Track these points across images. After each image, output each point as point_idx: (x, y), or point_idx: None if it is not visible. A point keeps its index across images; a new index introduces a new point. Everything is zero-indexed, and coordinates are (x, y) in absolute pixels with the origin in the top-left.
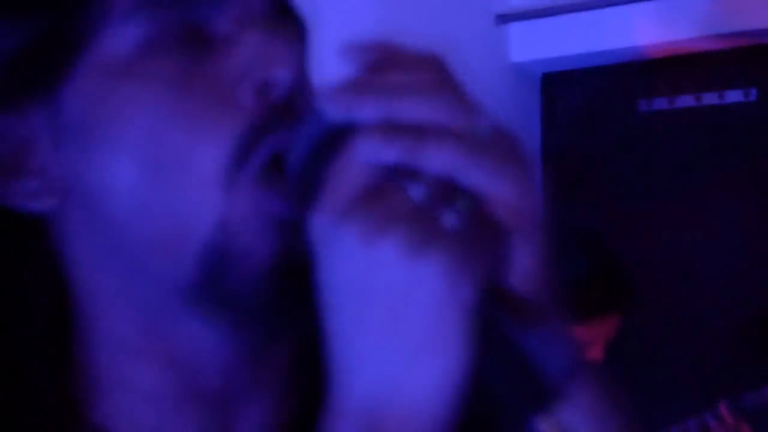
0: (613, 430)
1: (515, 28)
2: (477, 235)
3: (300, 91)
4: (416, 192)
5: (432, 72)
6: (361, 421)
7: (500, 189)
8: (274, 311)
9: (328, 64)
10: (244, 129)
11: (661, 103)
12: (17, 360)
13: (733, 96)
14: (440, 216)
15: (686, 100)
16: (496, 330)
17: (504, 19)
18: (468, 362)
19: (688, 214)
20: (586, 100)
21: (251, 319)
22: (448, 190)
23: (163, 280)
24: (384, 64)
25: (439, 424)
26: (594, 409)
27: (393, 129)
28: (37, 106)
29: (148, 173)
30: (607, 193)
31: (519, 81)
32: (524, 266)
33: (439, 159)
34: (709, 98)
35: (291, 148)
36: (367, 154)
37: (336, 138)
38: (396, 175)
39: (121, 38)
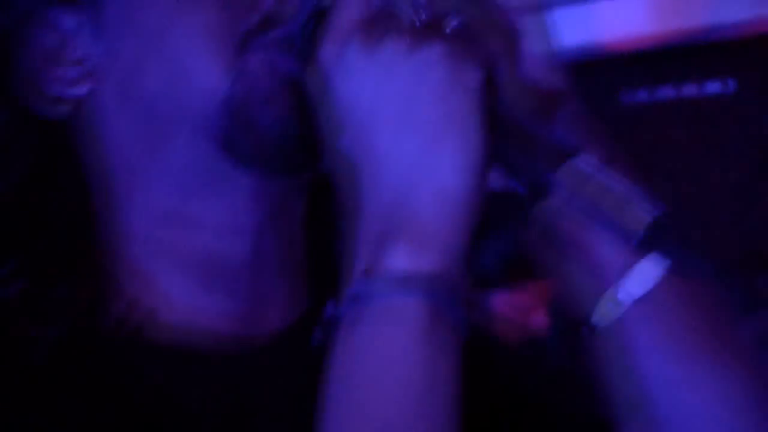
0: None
1: None
2: (475, 34)
3: None
4: (412, 15)
5: None
6: (388, 214)
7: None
8: (294, 156)
9: None
10: (256, 10)
11: (642, 95)
12: (58, 238)
13: (713, 87)
14: (439, 23)
15: (667, 92)
16: (504, 111)
17: None
18: (482, 142)
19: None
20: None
21: (276, 160)
22: (438, 6)
23: (193, 136)
24: None
25: (465, 204)
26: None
27: None
28: (84, 3)
29: (171, 46)
30: None
31: None
32: (528, 58)
33: None
34: (689, 90)
35: (294, 20)
36: None
37: (327, 5)
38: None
39: None
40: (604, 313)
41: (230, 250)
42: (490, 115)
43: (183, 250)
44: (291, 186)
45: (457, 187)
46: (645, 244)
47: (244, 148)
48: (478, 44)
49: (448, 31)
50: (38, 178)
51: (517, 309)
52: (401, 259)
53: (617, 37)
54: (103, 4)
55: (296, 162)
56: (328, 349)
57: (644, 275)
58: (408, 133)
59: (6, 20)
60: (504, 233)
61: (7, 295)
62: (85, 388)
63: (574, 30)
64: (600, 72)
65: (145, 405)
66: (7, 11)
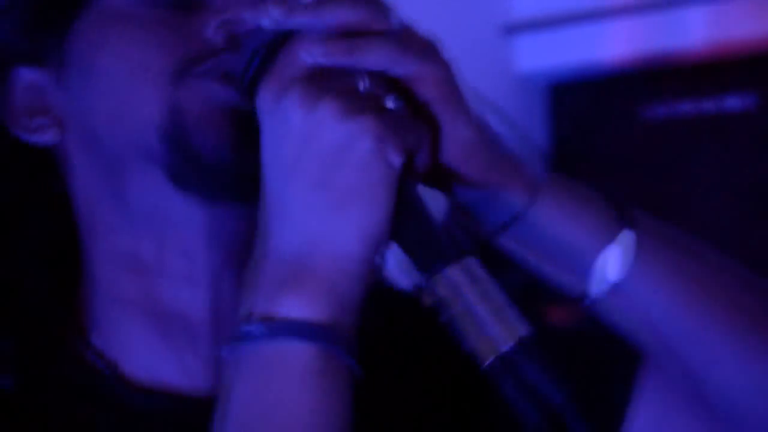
0: None
1: (521, 39)
2: (409, 113)
3: None
4: (358, 80)
5: None
6: (288, 265)
7: (427, 69)
8: (236, 178)
9: None
10: (198, 45)
11: (662, 111)
12: (26, 277)
13: (733, 102)
14: (378, 98)
15: (687, 107)
16: (413, 196)
17: (510, 29)
18: (385, 220)
19: (691, 221)
20: (591, 109)
21: (220, 187)
22: (380, 82)
23: (144, 171)
24: None
25: (360, 273)
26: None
27: (329, 35)
28: (49, 55)
29: (117, 84)
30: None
31: (525, 91)
32: (460, 137)
33: (372, 57)
34: (709, 105)
35: (238, 53)
36: (309, 56)
37: (277, 43)
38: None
39: None
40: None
41: (188, 301)
42: (400, 197)
43: (143, 300)
44: (249, 229)
45: (354, 254)
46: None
47: (188, 176)
48: (410, 127)
49: (387, 106)
50: (20, 207)
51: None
52: (295, 308)
53: (636, 53)
54: (67, 58)
55: (239, 189)
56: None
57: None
58: (320, 194)
59: None
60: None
61: None
62: None
63: (596, 47)
64: (619, 88)
65: None
66: None
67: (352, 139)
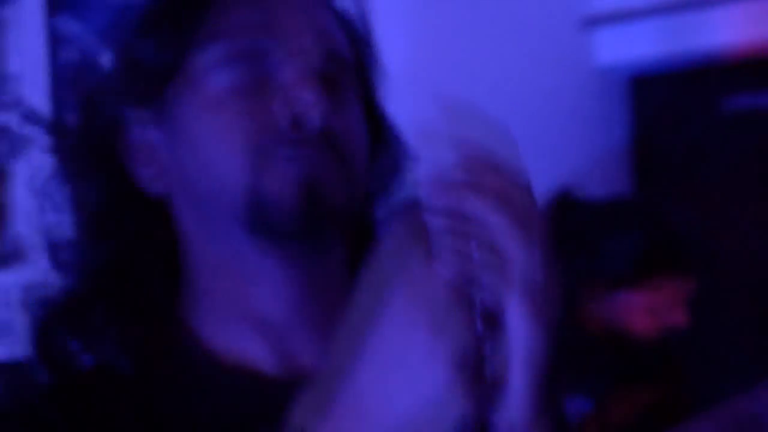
0: None
1: (601, 32)
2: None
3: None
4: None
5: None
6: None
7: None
8: (307, 240)
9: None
10: (271, 128)
11: (744, 102)
12: (146, 281)
13: None
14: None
15: None
16: None
17: (590, 22)
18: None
19: None
20: (671, 102)
21: (296, 247)
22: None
23: (229, 225)
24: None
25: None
26: None
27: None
28: (161, 118)
29: (203, 146)
30: (694, 194)
31: (605, 84)
32: (518, 397)
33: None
34: None
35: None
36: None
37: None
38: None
39: (215, 81)
40: None
41: (270, 305)
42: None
43: (234, 307)
44: (319, 270)
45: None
46: None
47: (267, 234)
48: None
49: (477, 314)
50: (138, 245)
51: (652, 308)
52: None
53: (717, 45)
54: (173, 121)
55: (310, 250)
56: None
57: None
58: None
59: (102, 123)
60: (631, 234)
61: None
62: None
63: (677, 39)
64: (700, 80)
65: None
66: (101, 119)
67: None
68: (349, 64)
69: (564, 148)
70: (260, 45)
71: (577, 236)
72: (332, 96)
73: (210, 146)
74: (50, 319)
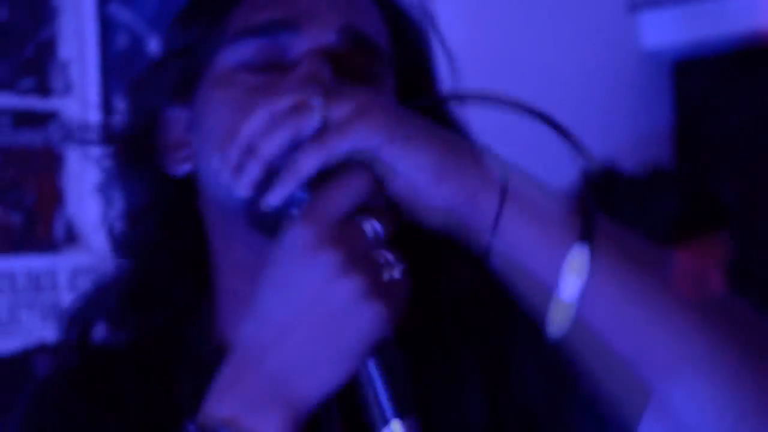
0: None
1: (645, 15)
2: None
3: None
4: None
5: None
6: (268, 388)
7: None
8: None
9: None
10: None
11: None
12: (175, 276)
13: None
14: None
15: None
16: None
17: (634, 6)
18: (347, 379)
19: None
20: (715, 85)
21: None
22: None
23: (231, 205)
24: None
25: (320, 400)
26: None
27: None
28: (187, 101)
29: (216, 138)
30: (739, 178)
31: (649, 68)
32: (413, 179)
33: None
34: None
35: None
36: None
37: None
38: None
39: (229, 58)
40: (559, 320)
41: None
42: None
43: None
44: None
45: (320, 392)
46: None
47: (260, 224)
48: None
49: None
50: (170, 227)
51: (691, 269)
52: (261, 426)
53: (762, 29)
54: (193, 104)
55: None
56: None
57: (576, 267)
58: (305, 346)
59: (143, 109)
60: (670, 198)
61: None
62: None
63: (722, 23)
64: (744, 63)
65: None
66: (143, 107)
67: (351, 318)
68: (383, 53)
69: (609, 131)
70: (278, 24)
71: (618, 205)
72: (352, 80)
73: (217, 130)
74: (85, 302)
